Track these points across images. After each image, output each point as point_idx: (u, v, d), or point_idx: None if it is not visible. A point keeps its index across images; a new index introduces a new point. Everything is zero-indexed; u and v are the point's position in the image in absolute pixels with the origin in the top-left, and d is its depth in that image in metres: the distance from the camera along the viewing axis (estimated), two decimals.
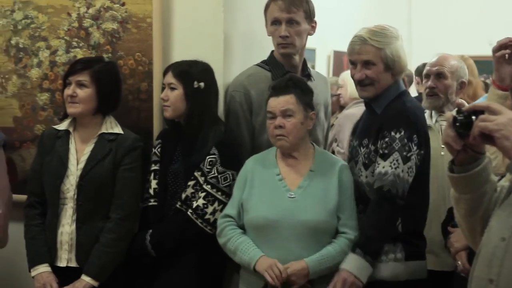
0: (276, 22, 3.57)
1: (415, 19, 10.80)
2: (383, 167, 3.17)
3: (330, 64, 8.77)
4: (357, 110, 4.61)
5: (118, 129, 3.51)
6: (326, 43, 8.40)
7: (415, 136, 3.20)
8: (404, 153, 3.16)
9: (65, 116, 3.55)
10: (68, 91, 3.44)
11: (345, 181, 3.33)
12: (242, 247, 3.22)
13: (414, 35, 10.54)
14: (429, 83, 4.01)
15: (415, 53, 9.22)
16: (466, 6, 10.23)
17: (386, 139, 3.19)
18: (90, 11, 3.80)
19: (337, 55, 8.89)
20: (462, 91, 4.16)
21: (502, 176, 2.27)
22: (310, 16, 3.61)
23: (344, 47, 9.07)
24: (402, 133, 3.17)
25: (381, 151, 3.21)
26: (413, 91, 6.64)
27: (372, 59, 3.27)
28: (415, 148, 3.19)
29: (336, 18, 8.42)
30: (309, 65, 3.86)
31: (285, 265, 3.15)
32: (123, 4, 3.76)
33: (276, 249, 3.20)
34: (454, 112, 2.09)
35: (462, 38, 8.90)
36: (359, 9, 9.57)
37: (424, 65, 5.34)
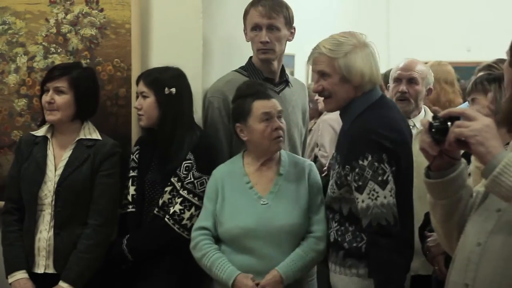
0: (256, 27, 3.58)
1: (393, 26, 10.85)
2: (363, 201, 2.96)
3: (309, 70, 8.78)
4: (335, 115, 4.61)
5: (96, 135, 3.50)
6: (305, 49, 8.39)
7: (384, 155, 2.95)
8: (380, 178, 2.94)
9: (43, 122, 3.54)
10: (46, 98, 3.43)
11: (313, 180, 3.36)
12: (218, 264, 3.23)
13: (392, 42, 10.60)
14: (402, 87, 3.98)
15: (393, 60, 9.25)
16: (443, 13, 10.29)
17: (356, 170, 2.96)
18: (68, 17, 3.78)
19: None
20: (428, 98, 4.16)
21: None
22: (289, 22, 3.63)
23: None
24: (370, 158, 2.93)
25: (355, 184, 2.99)
26: None
27: (325, 70, 3.09)
28: (388, 167, 2.96)
29: (316, 23, 8.44)
30: (288, 71, 3.87)
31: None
32: (101, 10, 3.74)
33: (255, 258, 3.23)
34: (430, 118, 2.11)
35: (440, 44, 8.95)
36: (338, 15, 9.61)
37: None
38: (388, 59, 9.32)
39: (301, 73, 8.47)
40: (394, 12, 10.93)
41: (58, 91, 3.42)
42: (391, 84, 4.06)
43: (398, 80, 4.00)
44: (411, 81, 3.98)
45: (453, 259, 2.17)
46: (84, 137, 3.48)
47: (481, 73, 3.54)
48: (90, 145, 3.46)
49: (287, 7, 3.63)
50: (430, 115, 4.01)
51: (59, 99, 3.42)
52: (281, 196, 3.31)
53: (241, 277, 3.19)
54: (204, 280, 3.44)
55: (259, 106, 3.30)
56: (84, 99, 3.47)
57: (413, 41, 9.53)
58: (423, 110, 4.04)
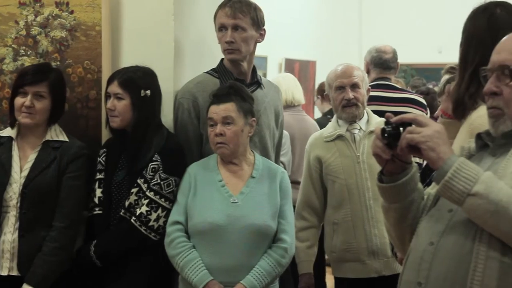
0: (222, 28, 3.59)
1: (366, 29, 10.90)
2: None
3: (281, 72, 8.81)
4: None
5: (63, 137, 3.49)
6: (277, 51, 8.44)
7: None
8: None
9: (12, 124, 3.48)
10: (26, 102, 3.38)
11: (285, 187, 3.44)
12: (191, 265, 3.25)
13: (365, 44, 10.63)
14: (348, 95, 3.97)
15: None
16: (416, 15, 10.37)
17: None
18: (38, 19, 3.77)
19: (289, 62, 8.93)
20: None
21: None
22: (257, 23, 3.63)
23: (295, 55, 9.18)
24: None
25: None
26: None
27: None
28: None
29: (288, 26, 8.46)
30: (260, 72, 3.87)
31: None
32: (71, 12, 3.73)
33: (219, 255, 3.26)
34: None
35: (412, 46, 9.00)
36: (311, 18, 9.63)
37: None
38: (360, 61, 9.36)
39: (273, 75, 8.48)
40: (367, 15, 10.99)
41: (39, 96, 3.41)
42: (332, 93, 4.04)
43: (340, 88, 4.00)
44: (354, 86, 3.99)
45: (406, 259, 2.21)
46: (50, 139, 3.46)
47: (446, 75, 3.62)
48: (56, 147, 3.44)
49: (255, 9, 3.63)
50: (373, 117, 4.05)
51: (39, 104, 3.40)
52: (252, 197, 3.35)
53: (212, 284, 3.23)
54: (173, 281, 3.45)
55: (209, 111, 3.37)
56: (59, 103, 3.48)
57: (385, 42, 9.57)
58: (366, 113, 4.06)
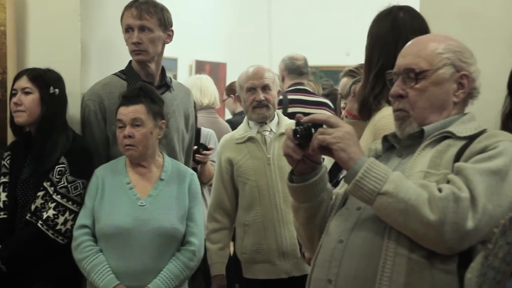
0: (129, 29, 3.57)
1: (275, 32, 10.99)
2: None
3: (192, 73, 8.79)
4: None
5: None
6: (187, 53, 8.43)
7: None
8: None
9: None
10: None
11: (194, 189, 3.45)
12: (98, 270, 3.22)
13: (274, 47, 10.72)
14: (259, 96, 4.00)
15: (275, 64, 9.37)
16: (324, 18, 10.50)
17: None
18: None
19: (199, 64, 8.93)
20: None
21: None
22: (165, 24, 3.61)
23: (206, 57, 9.17)
24: None
25: None
26: None
27: None
28: None
29: (198, 27, 8.46)
30: (171, 74, 3.85)
31: None
32: None
33: (126, 258, 3.24)
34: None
35: (321, 48, 9.12)
36: (221, 19, 9.65)
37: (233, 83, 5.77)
38: (270, 63, 9.43)
39: (184, 76, 8.46)
40: (276, 17, 11.08)
41: None
42: (243, 94, 4.07)
43: (251, 89, 4.03)
44: (265, 88, 4.02)
45: (315, 257, 2.25)
46: None
47: (344, 78, 3.73)
48: None
49: (162, 9, 3.62)
50: (284, 119, 4.09)
51: None
52: (160, 200, 3.35)
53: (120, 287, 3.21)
54: (81, 285, 3.41)
55: (118, 112, 3.35)
56: None
57: (295, 45, 9.67)
58: (276, 115, 4.10)
